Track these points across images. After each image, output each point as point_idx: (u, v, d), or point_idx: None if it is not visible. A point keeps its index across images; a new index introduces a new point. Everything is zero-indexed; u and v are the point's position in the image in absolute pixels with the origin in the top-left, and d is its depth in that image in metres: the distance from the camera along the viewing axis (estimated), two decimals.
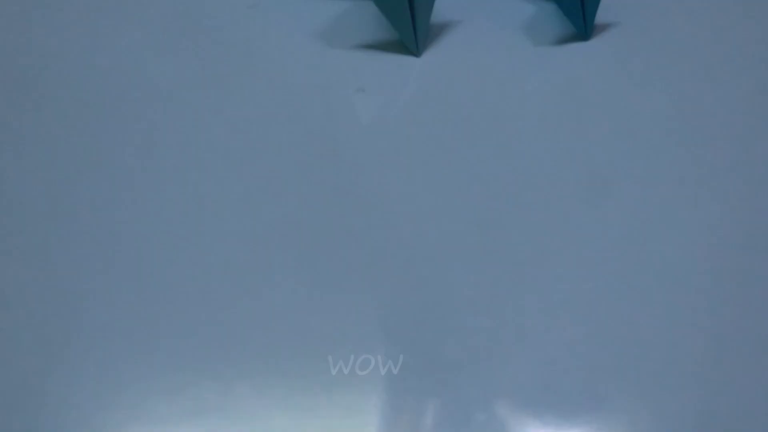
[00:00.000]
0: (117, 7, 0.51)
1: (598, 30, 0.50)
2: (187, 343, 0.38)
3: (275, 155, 0.44)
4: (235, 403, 0.36)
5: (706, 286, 0.40)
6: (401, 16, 0.48)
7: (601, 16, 0.51)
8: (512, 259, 0.41)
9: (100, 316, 0.38)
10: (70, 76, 0.48)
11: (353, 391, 0.36)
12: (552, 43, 0.50)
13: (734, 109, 0.47)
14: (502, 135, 0.45)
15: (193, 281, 0.40)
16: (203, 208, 0.42)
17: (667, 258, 0.41)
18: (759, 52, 0.50)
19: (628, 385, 0.37)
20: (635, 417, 0.36)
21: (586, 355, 0.38)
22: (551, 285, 0.40)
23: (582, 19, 0.49)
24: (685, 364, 0.38)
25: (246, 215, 0.42)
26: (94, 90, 0.47)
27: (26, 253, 0.40)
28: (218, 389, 0.36)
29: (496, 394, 0.37)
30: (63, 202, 0.42)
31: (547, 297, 0.40)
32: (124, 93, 0.47)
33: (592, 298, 0.40)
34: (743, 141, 0.46)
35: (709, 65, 0.49)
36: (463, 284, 0.40)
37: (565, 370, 0.37)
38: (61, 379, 0.37)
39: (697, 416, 0.36)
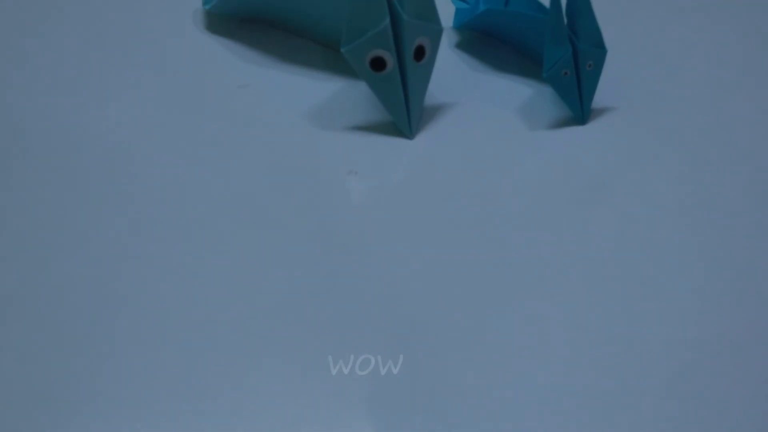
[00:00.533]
0: (115, 86, 0.51)
1: (595, 114, 0.50)
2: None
3: (267, 234, 0.43)
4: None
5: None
6: (395, 99, 0.47)
7: (598, 100, 0.50)
8: (505, 345, 0.40)
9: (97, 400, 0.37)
10: (71, 149, 0.47)
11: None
12: (548, 126, 0.49)
13: (731, 192, 0.46)
14: (496, 219, 0.45)
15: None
16: (196, 281, 0.41)
17: (667, 353, 0.40)
18: (754, 134, 0.50)
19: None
20: None
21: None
22: (543, 377, 0.39)
23: (579, 104, 0.49)
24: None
25: (238, 290, 0.41)
26: (93, 163, 0.46)
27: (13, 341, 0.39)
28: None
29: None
30: (55, 281, 0.41)
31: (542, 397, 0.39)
32: (117, 171, 0.46)
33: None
34: (741, 223, 0.45)
35: (705, 150, 0.49)
36: (452, 371, 0.39)
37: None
38: None
39: None
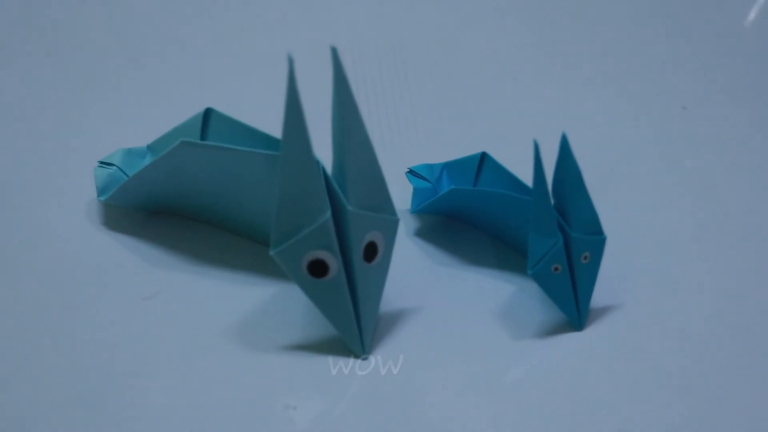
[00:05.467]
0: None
1: (594, 316, 0.48)
2: None
3: None
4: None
5: None
6: (341, 310, 0.44)
7: (597, 298, 0.48)
8: None
9: None
10: None
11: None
12: (536, 334, 0.47)
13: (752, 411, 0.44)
14: None
15: None
16: None
17: None
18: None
19: None
20: None
21: None
22: None
23: (574, 305, 0.46)
24: None
25: None
26: None
27: None
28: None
29: None
30: None
31: None
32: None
33: None
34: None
35: (728, 366, 0.46)
36: None
37: None
38: None
39: None
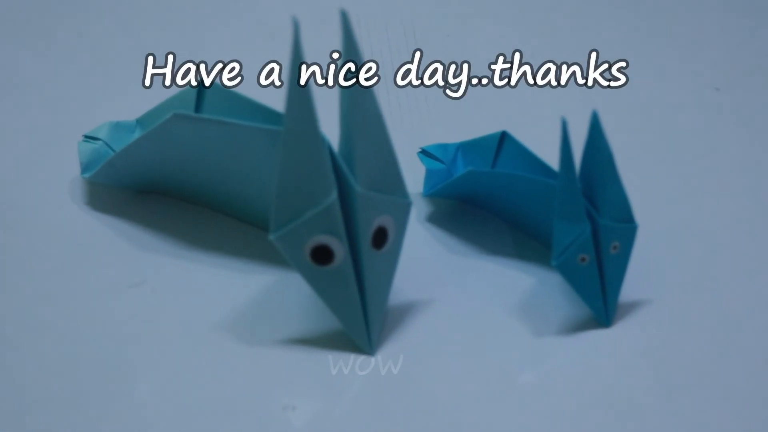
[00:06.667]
0: None
1: (622, 312, 0.46)
2: None
3: None
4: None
5: None
6: (346, 301, 0.43)
7: (626, 292, 0.46)
8: None
9: None
10: None
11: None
12: (558, 331, 0.46)
13: None
14: None
15: None
16: None
17: None
18: None
19: None
20: None
21: None
22: None
23: (601, 299, 0.45)
24: None
25: None
26: None
27: None
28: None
29: None
30: None
31: None
32: None
33: None
34: None
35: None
36: None
37: None
38: None
39: None
